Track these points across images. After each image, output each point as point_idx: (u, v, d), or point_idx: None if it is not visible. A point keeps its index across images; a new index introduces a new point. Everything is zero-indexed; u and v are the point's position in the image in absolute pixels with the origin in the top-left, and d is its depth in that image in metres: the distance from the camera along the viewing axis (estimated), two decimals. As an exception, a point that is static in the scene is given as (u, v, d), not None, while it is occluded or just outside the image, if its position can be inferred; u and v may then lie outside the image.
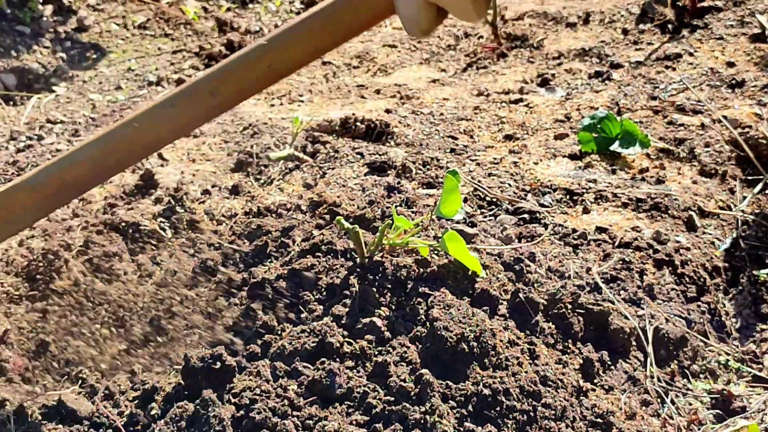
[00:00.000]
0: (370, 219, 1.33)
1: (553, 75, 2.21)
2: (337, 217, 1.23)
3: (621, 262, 1.36)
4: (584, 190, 1.59)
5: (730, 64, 2.13)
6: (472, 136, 1.88)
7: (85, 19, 3.00)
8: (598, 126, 1.76)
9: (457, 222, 1.38)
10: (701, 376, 1.25)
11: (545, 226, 1.44)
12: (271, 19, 3.20)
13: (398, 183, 1.56)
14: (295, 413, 0.93)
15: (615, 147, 1.74)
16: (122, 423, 0.99)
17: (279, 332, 1.09)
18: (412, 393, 0.96)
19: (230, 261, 1.32)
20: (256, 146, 1.85)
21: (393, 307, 1.10)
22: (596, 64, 2.26)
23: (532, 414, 0.98)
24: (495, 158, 1.74)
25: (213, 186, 1.66)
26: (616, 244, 1.41)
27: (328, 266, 1.20)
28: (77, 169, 1.02)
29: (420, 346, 1.03)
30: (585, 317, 1.19)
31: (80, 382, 1.11)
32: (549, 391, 1.02)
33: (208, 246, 1.37)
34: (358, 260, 1.19)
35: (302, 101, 2.20)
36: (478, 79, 2.28)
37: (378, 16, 0.98)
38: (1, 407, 1.05)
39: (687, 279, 1.39)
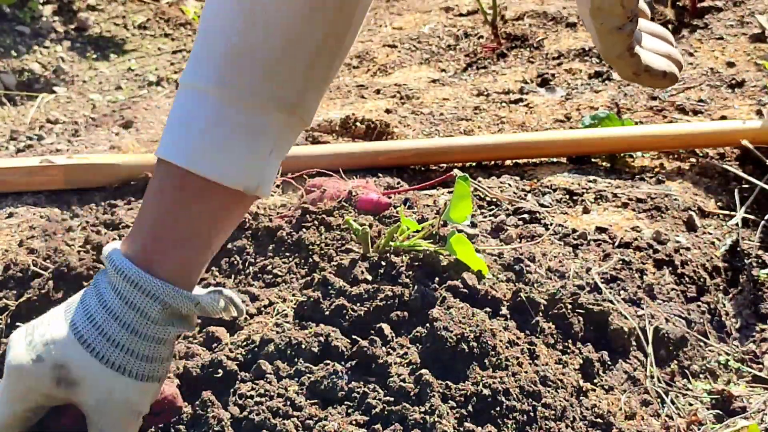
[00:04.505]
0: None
1: (553, 75, 2.21)
2: (346, 217, 1.23)
3: (621, 262, 1.36)
4: (584, 190, 1.59)
5: (730, 64, 2.13)
6: (472, 137, 1.89)
7: (86, 20, 3.00)
8: (599, 126, 1.76)
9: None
10: (701, 376, 1.25)
11: (545, 226, 1.44)
12: (271, 19, 3.20)
13: (398, 183, 1.57)
14: (295, 413, 0.93)
15: (615, 147, 1.74)
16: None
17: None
18: (412, 393, 0.96)
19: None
20: (256, 146, 1.85)
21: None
22: (596, 64, 2.26)
23: (532, 414, 0.98)
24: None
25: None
26: (616, 244, 1.41)
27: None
28: None
29: (420, 346, 1.03)
30: (585, 317, 1.19)
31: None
32: (549, 391, 1.02)
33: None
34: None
35: (302, 101, 2.20)
36: (478, 79, 2.28)
37: None
38: None
39: (687, 279, 1.39)
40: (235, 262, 1.31)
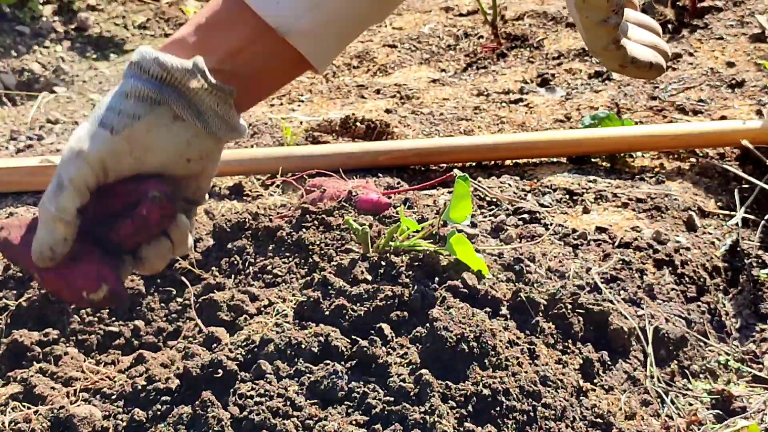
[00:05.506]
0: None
1: (553, 75, 2.21)
2: (346, 217, 1.23)
3: (621, 262, 1.36)
4: (584, 190, 1.59)
5: (730, 64, 2.13)
6: (472, 137, 1.89)
7: (86, 20, 3.00)
8: (599, 126, 1.76)
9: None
10: (701, 376, 1.25)
11: (545, 226, 1.44)
12: (271, 19, 3.20)
13: (398, 183, 1.57)
14: (295, 413, 0.93)
15: (615, 147, 1.74)
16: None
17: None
18: (412, 393, 0.96)
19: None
20: (256, 146, 1.85)
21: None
22: (596, 64, 2.26)
23: (532, 414, 0.98)
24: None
25: (213, 186, 1.66)
26: (616, 244, 1.41)
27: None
28: None
29: (420, 346, 1.03)
30: (585, 317, 1.19)
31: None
32: (549, 391, 1.02)
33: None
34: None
35: (302, 101, 2.20)
36: (478, 79, 2.28)
37: None
38: None
39: (687, 279, 1.39)
40: (235, 262, 1.31)
